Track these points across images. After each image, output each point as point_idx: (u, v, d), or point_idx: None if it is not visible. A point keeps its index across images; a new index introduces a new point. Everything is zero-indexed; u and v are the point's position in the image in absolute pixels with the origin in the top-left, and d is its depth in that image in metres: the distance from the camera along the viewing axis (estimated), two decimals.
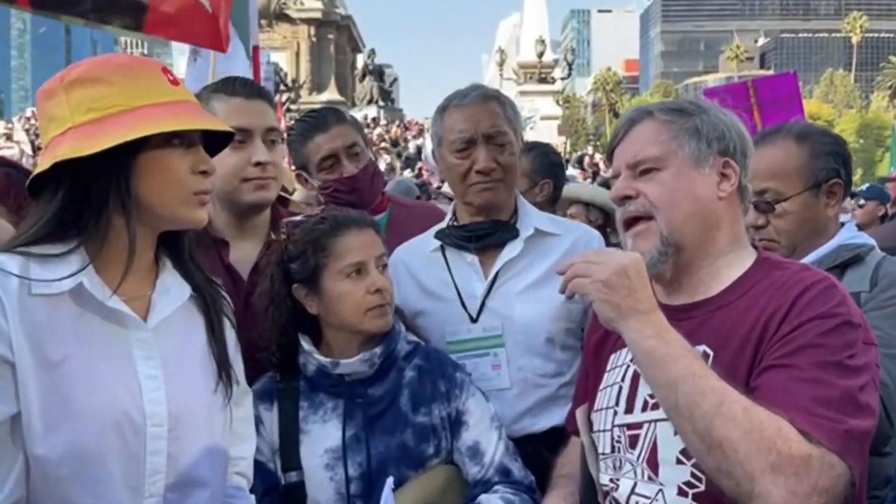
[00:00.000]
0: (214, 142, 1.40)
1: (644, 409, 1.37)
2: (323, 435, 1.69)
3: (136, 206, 1.29)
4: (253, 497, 1.56)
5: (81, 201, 1.27)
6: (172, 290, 1.39)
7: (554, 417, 1.89)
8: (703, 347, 1.32)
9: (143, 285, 1.36)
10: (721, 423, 1.14)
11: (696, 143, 1.39)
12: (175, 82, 1.33)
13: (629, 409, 1.40)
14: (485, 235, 1.99)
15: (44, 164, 1.24)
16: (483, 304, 1.96)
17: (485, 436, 1.74)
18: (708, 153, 1.39)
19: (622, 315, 1.28)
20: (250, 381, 1.71)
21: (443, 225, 2.09)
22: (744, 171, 1.43)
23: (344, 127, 2.39)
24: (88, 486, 1.24)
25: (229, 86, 1.93)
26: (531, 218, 2.05)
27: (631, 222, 1.42)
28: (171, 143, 1.29)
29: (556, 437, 1.78)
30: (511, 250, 1.99)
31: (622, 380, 1.44)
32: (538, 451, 1.85)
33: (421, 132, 30.59)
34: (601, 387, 1.50)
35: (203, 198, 1.34)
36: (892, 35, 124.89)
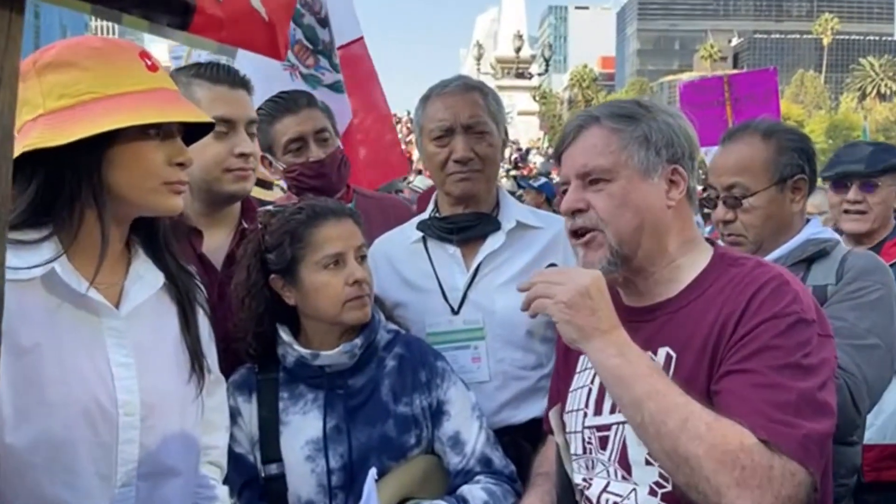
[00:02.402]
0: (192, 128, 1.36)
1: (612, 411, 1.38)
2: (303, 426, 1.67)
3: (108, 197, 1.26)
4: (226, 487, 1.55)
5: (54, 190, 1.24)
6: (145, 277, 1.37)
7: (534, 409, 1.90)
8: (666, 349, 1.34)
9: (115, 273, 1.34)
10: (686, 441, 1.17)
11: (646, 153, 1.39)
12: (153, 68, 1.29)
13: (598, 411, 1.42)
14: (467, 227, 1.99)
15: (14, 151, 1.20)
16: (465, 297, 1.96)
17: (466, 425, 1.74)
18: (657, 162, 1.40)
19: (585, 336, 1.30)
20: (227, 373, 1.69)
21: (425, 216, 2.09)
22: (691, 175, 1.44)
23: (314, 111, 2.35)
24: (59, 475, 1.22)
25: (212, 72, 1.87)
26: (513, 211, 2.05)
27: (580, 232, 1.43)
28: (147, 133, 1.26)
29: (537, 428, 1.80)
30: (493, 243, 1.99)
31: (591, 382, 1.45)
32: (518, 441, 1.87)
33: (398, 125, 30.46)
34: (572, 388, 1.52)
35: (177, 187, 1.31)
36: (861, 37, 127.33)
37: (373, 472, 1.33)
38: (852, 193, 2.73)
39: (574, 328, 1.30)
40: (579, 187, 1.42)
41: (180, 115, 1.28)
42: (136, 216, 1.35)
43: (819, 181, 2.53)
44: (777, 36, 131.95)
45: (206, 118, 1.34)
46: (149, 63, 1.29)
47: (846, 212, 2.75)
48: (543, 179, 8.84)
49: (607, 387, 1.32)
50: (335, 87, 3.55)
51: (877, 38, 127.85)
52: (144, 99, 1.24)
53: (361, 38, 3.85)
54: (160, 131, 1.28)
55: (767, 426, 1.17)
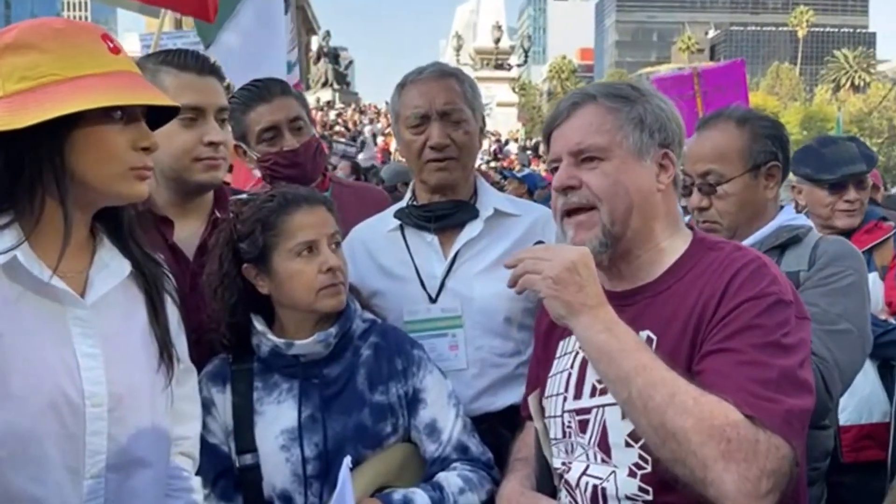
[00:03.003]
0: (156, 114, 1.33)
1: (592, 394, 1.38)
2: (278, 416, 1.65)
3: (71, 183, 1.22)
4: (198, 478, 1.53)
5: (14, 176, 1.20)
6: (111, 265, 1.34)
7: (512, 396, 1.90)
8: (646, 333, 1.35)
9: (80, 261, 1.30)
10: (674, 415, 1.17)
11: (640, 134, 1.40)
12: (116, 50, 1.26)
13: (578, 395, 1.41)
14: (444, 215, 1.98)
15: None
16: (442, 285, 1.95)
17: (442, 413, 1.72)
18: (650, 144, 1.40)
19: (573, 312, 1.29)
20: (200, 363, 1.67)
21: (402, 204, 2.07)
22: (679, 161, 1.45)
23: (288, 99, 2.32)
24: (26, 468, 1.19)
25: (180, 59, 1.83)
26: (491, 198, 2.04)
27: (572, 211, 1.42)
28: (111, 116, 1.23)
29: (515, 415, 1.79)
30: (470, 231, 1.97)
31: (571, 366, 1.45)
32: (496, 428, 1.86)
33: (378, 116, 30.36)
34: (551, 373, 1.52)
35: (143, 173, 1.28)
36: (836, 30, 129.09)
37: (347, 460, 1.31)
38: (853, 193, 2.77)
39: (561, 304, 1.29)
40: (571, 164, 1.41)
41: (144, 97, 1.25)
42: (102, 205, 1.32)
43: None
44: (753, 28, 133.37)
45: (171, 102, 1.30)
46: (111, 45, 1.26)
47: (842, 210, 2.79)
48: (527, 170, 8.93)
49: (593, 363, 1.31)
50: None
51: (851, 30, 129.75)
52: (107, 81, 1.21)
53: None
54: (124, 115, 1.25)
55: (751, 402, 1.18)
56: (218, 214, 1.89)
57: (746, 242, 1.89)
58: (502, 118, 31.25)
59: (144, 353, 1.36)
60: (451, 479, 1.66)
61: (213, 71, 1.88)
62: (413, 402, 1.72)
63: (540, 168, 17.68)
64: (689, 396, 1.18)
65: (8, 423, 1.17)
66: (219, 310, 1.68)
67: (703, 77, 5.43)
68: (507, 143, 27.12)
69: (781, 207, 2.04)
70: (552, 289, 1.29)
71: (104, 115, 1.22)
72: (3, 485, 1.18)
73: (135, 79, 1.27)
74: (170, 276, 1.48)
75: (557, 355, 1.52)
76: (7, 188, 1.20)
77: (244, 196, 1.78)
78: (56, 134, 1.19)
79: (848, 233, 2.80)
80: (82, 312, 1.27)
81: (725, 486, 1.13)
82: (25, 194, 1.21)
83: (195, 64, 1.84)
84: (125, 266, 1.35)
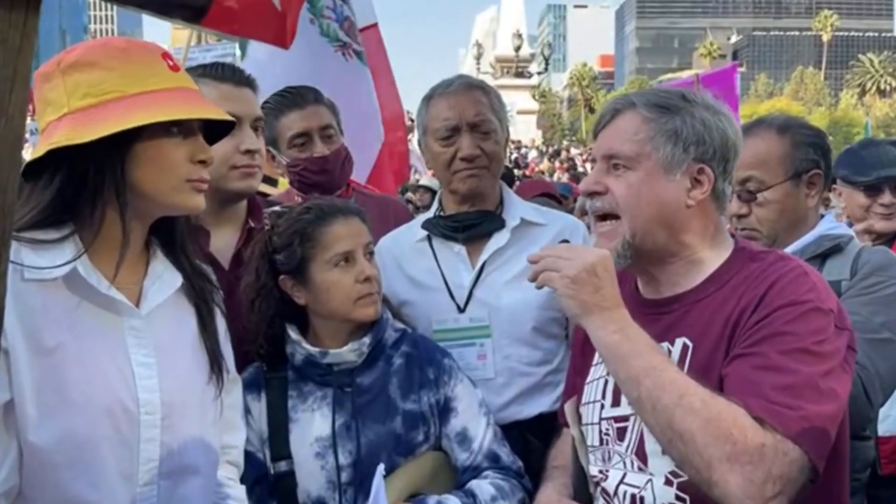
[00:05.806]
0: (211, 128, 1.37)
1: None
2: (312, 424, 1.69)
3: (130, 195, 1.27)
4: (243, 486, 1.56)
5: (76, 188, 1.25)
6: (164, 277, 1.38)
7: (540, 404, 1.92)
8: (683, 339, 1.35)
9: (135, 273, 1.35)
10: (681, 415, 1.18)
11: (672, 148, 1.37)
12: (175, 68, 1.30)
13: (615, 403, 1.42)
14: (472, 225, 2.00)
15: (39, 150, 1.22)
16: (470, 294, 1.97)
17: (473, 422, 1.75)
18: (682, 159, 1.37)
19: (586, 311, 1.31)
20: (237, 372, 1.70)
21: (429, 215, 2.10)
22: (722, 176, 1.40)
23: (321, 107, 2.36)
24: (82, 474, 1.23)
25: (218, 71, 1.90)
26: (517, 208, 2.06)
27: (599, 217, 1.44)
28: (170, 131, 1.27)
29: (544, 423, 1.82)
30: (498, 240, 2.00)
31: (608, 374, 1.45)
32: (525, 436, 1.88)
33: None
34: (587, 380, 1.53)
35: (199, 185, 1.32)
36: (861, 34, 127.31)
37: (380, 467, 1.33)
38: (888, 197, 2.74)
39: (577, 304, 1.31)
40: (602, 170, 1.43)
41: (202, 112, 1.29)
42: (159, 216, 1.36)
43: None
44: (776, 33, 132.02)
45: (227, 116, 1.34)
46: (170, 63, 1.30)
47: (879, 213, 2.76)
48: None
49: (606, 363, 1.33)
50: None
51: (876, 34, 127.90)
52: (167, 97, 1.25)
53: (376, 24, 3.72)
54: (182, 129, 1.29)
55: (765, 406, 1.18)
56: (252, 224, 1.94)
57: (787, 251, 1.88)
58: (522, 126, 31.21)
59: (195, 363, 1.40)
60: (483, 486, 1.68)
61: (249, 82, 1.94)
62: (444, 410, 1.75)
63: (565, 177, 17.64)
64: (698, 398, 1.18)
65: (66, 429, 1.21)
66: (257, 321, 1.72)
67: (703, 83, 5.41)
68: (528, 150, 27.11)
69: (822, 216, 2.03)
70: (569, 288, 1.31)
71: (164, 129, 1.26)
72: (60, 489, 1.22)
73: (193, 95, 1.31)
74: (217, 288, 1.52)
75: (594, 363, 1.52)
76: (68, 201, 1.25)
77: (278, 208, 1.83)
78: (118, 147, 1.23)
79: (890, 240, 2.77)
80: (137, 322, 1.31)
81: (729, 488, 1.13)
82: (87, 206, 1.26)
83: (232, 75, 1.90)
84: (177, 278, 1.39)
